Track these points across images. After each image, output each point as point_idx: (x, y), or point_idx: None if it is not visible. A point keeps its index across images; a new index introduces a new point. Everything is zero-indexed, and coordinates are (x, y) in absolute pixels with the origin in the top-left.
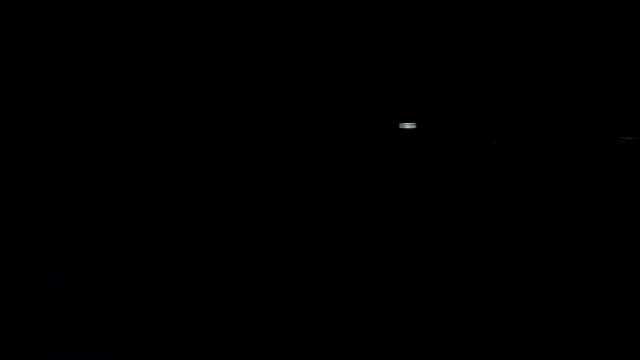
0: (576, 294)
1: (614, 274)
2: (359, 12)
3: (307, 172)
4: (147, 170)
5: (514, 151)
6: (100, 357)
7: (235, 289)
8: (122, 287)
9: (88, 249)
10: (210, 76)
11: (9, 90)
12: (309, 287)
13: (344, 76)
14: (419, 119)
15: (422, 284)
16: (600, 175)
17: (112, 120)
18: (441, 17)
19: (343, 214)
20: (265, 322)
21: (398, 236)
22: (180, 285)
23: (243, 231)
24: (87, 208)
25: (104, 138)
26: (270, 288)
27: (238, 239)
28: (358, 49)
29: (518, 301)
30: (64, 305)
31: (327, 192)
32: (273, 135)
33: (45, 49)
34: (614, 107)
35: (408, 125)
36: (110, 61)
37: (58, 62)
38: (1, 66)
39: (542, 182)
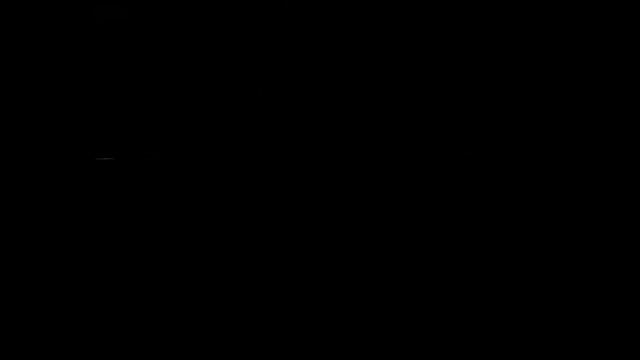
0: (576, 294)
1: (614, 274)
2: (359, 12)
3: (307, 172)
4: (147, 170)
5: (514, 151)
6: (100, 357)
7: (235, 289)
8: (122, 287)
9: (88, 249)
10: (210, 76)
11: (8, 90)
12: (309, 287)
13: (344, 76)
14: (419, 119)
15: (422, 284)
16: (601, 175)
17: (112, 120)
18: (441, 16)
19: (343, 214)
20: (265, 322)
21: (398, 236)
22: (180, 285)
23: (243, 231)
24: (87, 208)
25: (104, 138)
26: (270, 288)
27: (238, 239)
28: (358, 49)
29: (518, 301)
30: (64, 305)
31: (327, 192)
32: (273, 135)
33: (45, 49)
34: (613, 107)
35: None
36: (110, 61)
37: (58, 62)
38: (1, 66)
39: (542, 182)
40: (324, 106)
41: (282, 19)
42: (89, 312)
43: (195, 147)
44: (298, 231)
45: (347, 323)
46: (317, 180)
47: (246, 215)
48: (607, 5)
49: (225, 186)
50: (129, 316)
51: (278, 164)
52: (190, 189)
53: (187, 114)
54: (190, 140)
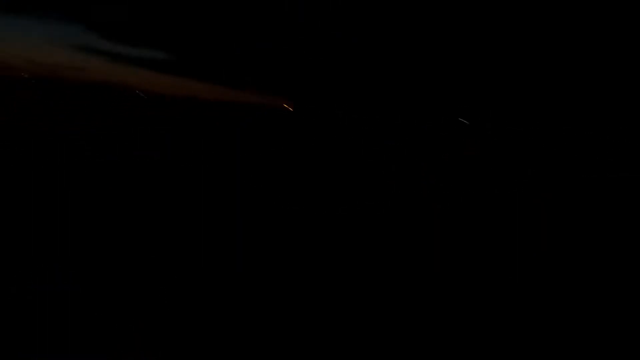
0: (576, 293)
1: (614, 273)
2: (359, 12)
3: (308, 172)
4: (147, 170)
5: (514, 151)
6: (100, 357)
7: (235, 289)
8: (122, 287)
9: (88, 249)
10: (210, 76)
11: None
12: (309, 287)
13: (343, 76)
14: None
15: (422, 284)
16: (601, 175)
17: (113, 120)
18: (441, 18)
19: (343, 214)
20: (265, 321)
21: (398, 236)
22: (180, 285)
23: (243, 231)
24: (87, 208)
25: (104, 138)
26: (270, 288)
27: (238, 239)
28: (358, 49)
29: (518, 301)
30: (64, 305)
31: (327, 192)
32: (273, 135)
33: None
34: (613, 107)
35: None
36: (110, 61)
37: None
38: None
39: (542, 182)
40: (325, 106)
41: (282, 19)
42: (89, 312)
43: (195, 147)
44: (298, 231)
45: (347, 322)
46: (317, 180)
47: (246, 215)
48: (606, 6)
49: (225, 186)
50: (129, 316)
51: (278, 164)
52: (190, 189)
53: (187, 114)
54: (190, 140)
